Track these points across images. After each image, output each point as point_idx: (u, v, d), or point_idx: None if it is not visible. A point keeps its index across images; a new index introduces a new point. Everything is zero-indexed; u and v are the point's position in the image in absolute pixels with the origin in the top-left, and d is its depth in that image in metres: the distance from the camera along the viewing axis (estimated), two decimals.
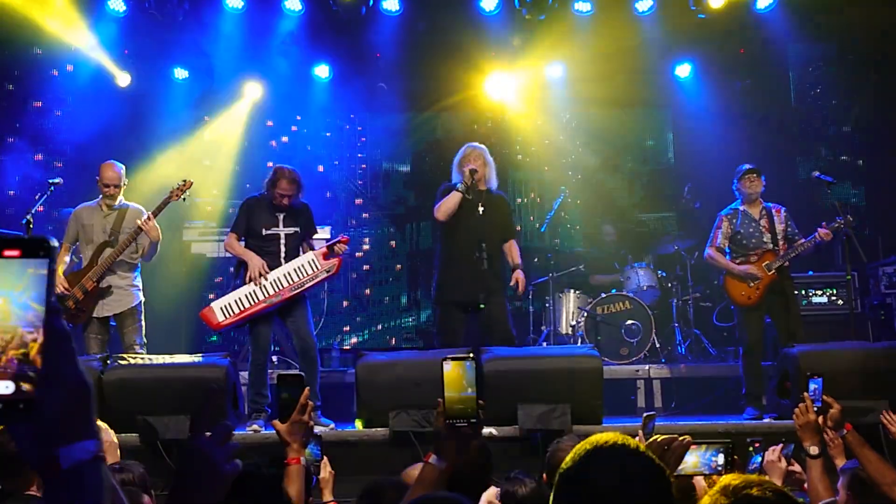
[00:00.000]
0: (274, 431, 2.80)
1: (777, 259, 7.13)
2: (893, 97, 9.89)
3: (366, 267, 10.81)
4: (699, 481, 3.14)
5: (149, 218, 6.88)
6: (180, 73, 10.30)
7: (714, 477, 2.60)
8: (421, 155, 11.13)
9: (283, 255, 6.85)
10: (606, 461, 1.79)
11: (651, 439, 2.30)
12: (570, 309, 9.15)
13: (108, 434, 4.10)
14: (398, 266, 10.89)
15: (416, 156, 11.17)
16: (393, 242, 10.93)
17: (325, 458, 4.07)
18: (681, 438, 2.28)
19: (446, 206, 6.85)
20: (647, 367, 8.43)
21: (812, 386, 3.97)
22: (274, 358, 8.72)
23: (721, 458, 2.45)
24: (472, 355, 2.51)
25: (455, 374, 2.46)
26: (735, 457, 2.56)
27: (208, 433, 1.63)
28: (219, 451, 1.59)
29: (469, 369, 2.47)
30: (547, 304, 9.22)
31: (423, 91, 10.67)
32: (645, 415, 3.70)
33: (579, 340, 8.73)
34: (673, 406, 8.19)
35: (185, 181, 7.13)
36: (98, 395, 5.86)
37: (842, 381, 5.94)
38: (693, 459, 2.43)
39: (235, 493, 1.67)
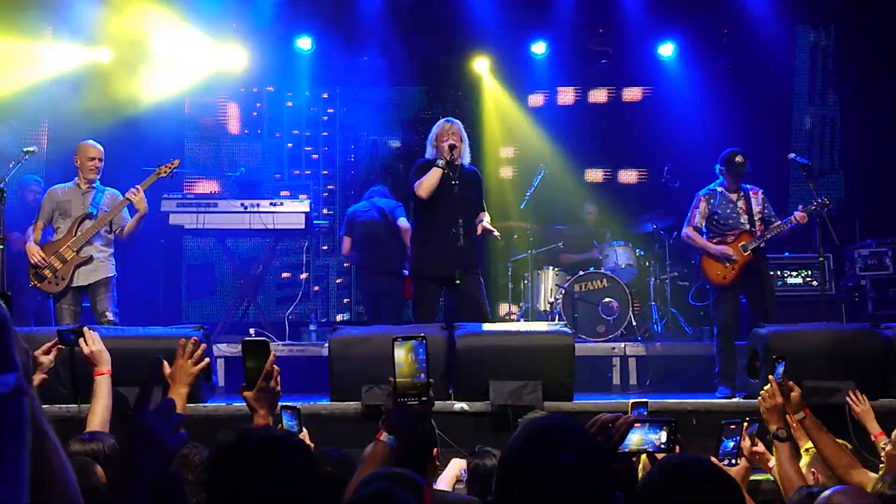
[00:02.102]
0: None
1: (753, 240, 7.17)
2: (873, 79, 9.93)
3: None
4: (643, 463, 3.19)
5: (137, 190, 6.91)
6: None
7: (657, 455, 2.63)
8: (408, 129, 11.12)
9: None
10: (545, 441, 1.80)
11: (595, 417, 2.34)
12: (548, 286, 9.19)
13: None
14: None
15: (403, 130, 11.16)
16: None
17: (304, 430, 4.12)
18: (624, 416, 2.32)
19: (429, 183, 6.79)
20: (623, 344, 8.50)
21: (779, 369, 3.98)
22: (251, 330, 8.75)
23: (664, 436, 2.49)
24: (422, 335, 2.53)
25: (406, 354, 2.48)
26: (678, 434, 2.59)
27: (153, 405, 1.64)
28: (163, 424, 1.60)
29: (420, 348, 2.48)
30: (525, 281, 9.26)
31: (408, 65, 10.63)
32: (632, 401, 3.70)
33: (557, 318, 8.77)
34: (648, 384, 8.27)
35: (173, 159, 7.21)
36: (70, 364, 5.86)
37: (810, 361, 6.01)
38: (637, 437, 2.46)
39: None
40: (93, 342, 4.16)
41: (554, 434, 1.85)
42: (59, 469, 1.69)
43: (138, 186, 6.95)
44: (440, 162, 6.80)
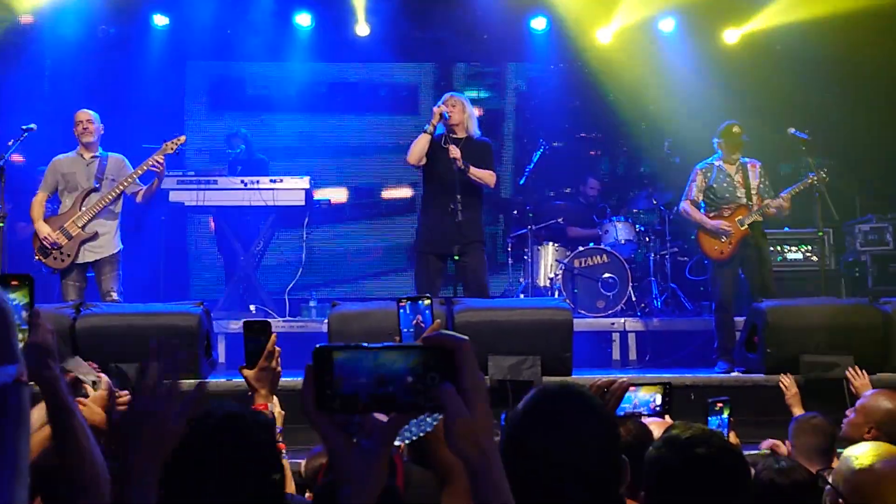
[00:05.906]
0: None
1: (749, 214, 7.15)
2: (873, 53, 9.88)
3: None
4: (653, 426, 3.20)
5: (160, 164, 6.87)
6: (160, 20, 10.16)
7: (658, 423, 2.65)
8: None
9: None
10: (552, 403, 1.82)
11: (591, 382, 2.35)
12: (548, 262, 9.19)
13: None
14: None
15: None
16: None
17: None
18: (620, 380, 2.33)
19: (414, 149, 6.88)
20: (622, 319, 8.50)
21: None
22: (252, 307, 8.77)
23: (658, 399, 2.51)
24: (428, 296, 2.49)
25: (411, 317, 2.46)
26: (672, 397, 2.62)
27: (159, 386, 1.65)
28: (165, 406, 1.61)
29: (426, 311, 2.45)
30: (525, 257, 9.26)
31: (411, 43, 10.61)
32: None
33: (556, 293, 8.78)
34: (647, 359, 8.29)
35: (178, 136, 7.10)
36: (71, 341, 5.89)
37: (809, 336, 6.04)
38: (633, 401, 2.49)
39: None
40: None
41: (560, 401, 1.86)
42: (87, 446, 1.71)
43: (159, 159, 6.87)
44: (427, 127, 6.84)
